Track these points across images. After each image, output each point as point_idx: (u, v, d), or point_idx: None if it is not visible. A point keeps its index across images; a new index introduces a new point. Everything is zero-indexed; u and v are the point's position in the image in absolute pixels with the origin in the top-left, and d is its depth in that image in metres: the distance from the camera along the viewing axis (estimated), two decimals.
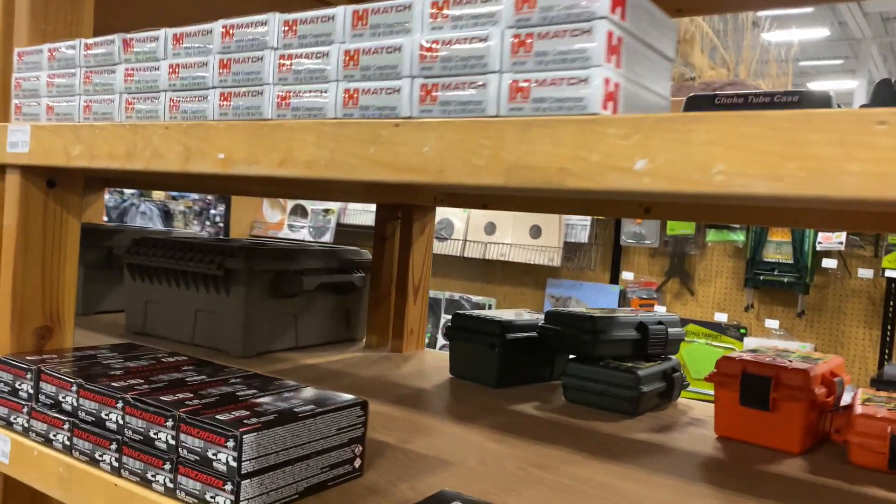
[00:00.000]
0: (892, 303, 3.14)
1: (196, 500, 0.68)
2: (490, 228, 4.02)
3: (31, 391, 0.84)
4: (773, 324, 3.35)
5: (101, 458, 0.77)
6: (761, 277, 3.38)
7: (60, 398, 0.82)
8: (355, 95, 0.58)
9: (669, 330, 1.25)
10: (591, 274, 3.96)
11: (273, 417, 0.70)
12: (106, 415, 0.77)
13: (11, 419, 0.86)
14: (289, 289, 1.43)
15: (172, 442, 0.71)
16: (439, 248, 4.22)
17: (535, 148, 0.49)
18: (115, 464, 0.75)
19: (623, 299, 3.83)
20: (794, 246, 3.28)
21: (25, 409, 0.85)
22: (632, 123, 0.45)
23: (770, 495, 0.83)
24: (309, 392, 0.81)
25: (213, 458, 0.67)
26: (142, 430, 0.73)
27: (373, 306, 1.61)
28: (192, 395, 0.77)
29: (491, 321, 1.27)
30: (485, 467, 0.87)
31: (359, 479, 0.79)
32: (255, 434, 0.67)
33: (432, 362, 1.48)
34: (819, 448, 1.03)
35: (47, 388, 0.83)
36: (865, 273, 3.18)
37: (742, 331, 3.40)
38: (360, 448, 0.79)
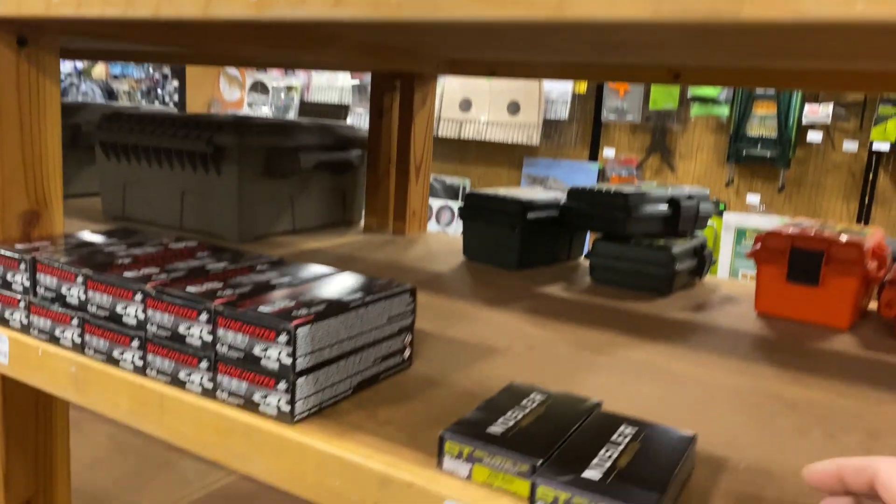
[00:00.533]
0: (871, 176, 3.15)
1: (241, 401, 0.61)
2: (465, 105, 3.86)
3: (27, 284, 0.74)
4: (753, 198, 3.35)
5: (121, 357, 0.68)
6: (744, 152, 3.33)
7: (64, 291, 0.72)
8: None
9: (701, 205, 1.19)
10: (569, 152, 3.87)
11: (323, 308, 0.62)
12: (123, 309, 0.67)
13: (6, 315, 0.76)
14: (285, 167, 1.32)
15: (208, 338, 0.62)
16: None
17: None
18: (140, 363, 0.67)
19: (602, 177, 3.77)
20: (780, 120, 3.23)
21: (22, 304, 0.75)
22: None
23: (828, 373, 0.79)
24: (350, 279, 0.73)
25: (262, 355, 0.59)
26: (168, 325, 0.64)
27: (371, 186, 1.51)
28: (221, 284, 0.67)
29: (511, 201, 1.18)
30: (535, 353, 0.81)
31: (409, 371, 0.72)
32: (309, 327, 0.59)
33: (440, 244, 1.40)
34: (864, 323, 0.99)
35: (46, 279, 0.73)
36: (850, 146, 3.15)
37: (721, 206, 3.39)
38: (410, 337, 0.72)
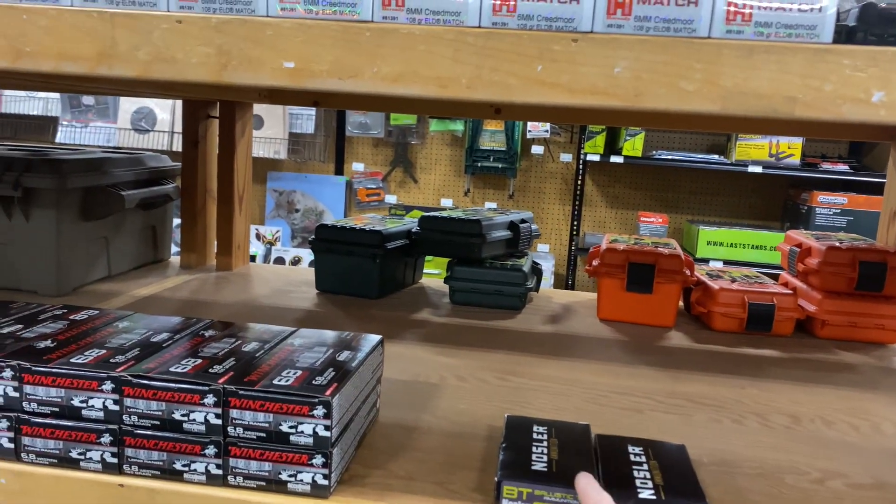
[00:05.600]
0: (579, 181, 3.66)
1: (263, 483, 0.57)
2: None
3: None
4: (491, 205, 3.69)
5: (82, 457, 0.59)
6: (479, 164, 3.66)
7: None
8: (511, 1, 0.49)
9: (532, 227, 1.33)
10: (314, 166, 3.89)
11: (336, 374, 0.61)
12: (83, 401, 0.58)
13: None
14: (107, 208, 1.18)
15: (216, 421, 0.57)
16: (140, 141, 3.75)
17: (758, 74, 0.48)
18: (112, 459, 0.59)
19: (349, 190, 3.86)
20: (507, 134, 3.61)
21: None
22: (869, 56, 0.47)
23: (690, 367, 0.97)
24: (317, 336, 0.71)
25: (292, 430, 0.56)
26: (157, 413, 0.58)
27: (188, 220, 1.41)
28: (200, 361, 0.62)
29: (369, 232, 1.21)
30: (469, 384, 0.86)
31: (379, 420, 0.73)
32: (339, 396, 0.58)
33: (278, 278, 1.36)
34: (680, 320, 1.21)
35: None
36: (566, 157, 3.64)
37: None
38: (380, 386, 0.73)
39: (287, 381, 0.59)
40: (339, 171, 3.87)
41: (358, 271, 1.22)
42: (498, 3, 0.50)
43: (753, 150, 3.25)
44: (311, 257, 3.64)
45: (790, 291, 1.14)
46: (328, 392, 0.57)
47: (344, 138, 3.83)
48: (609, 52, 0.49)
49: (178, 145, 3.72)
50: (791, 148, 3.25)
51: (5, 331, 0.67)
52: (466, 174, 3.72)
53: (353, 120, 3.71)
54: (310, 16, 0.52)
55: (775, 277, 1.29)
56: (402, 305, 1.20)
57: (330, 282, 1.25)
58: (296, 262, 3.71)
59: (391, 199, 3.82)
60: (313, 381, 0.59)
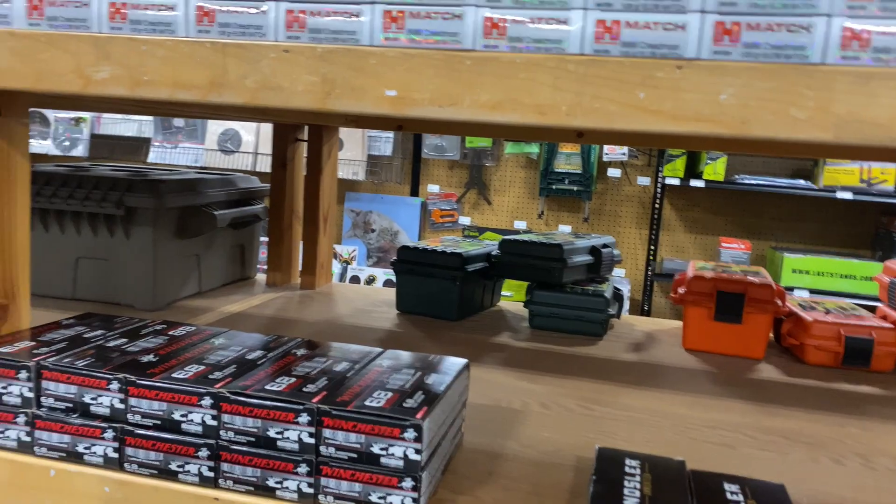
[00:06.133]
0: (656, 205, 3.59)
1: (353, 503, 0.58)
2: None
3: (29, 394, 0.63)
4: (565, 229, 3.66)
5: (181, 469, 0.61)
6: (553, 186, 3.64)
7: (89, 400, 0.62)
8: (614, 28, 0.49)
9: (613, 252, 1.31)
10: (390, 187, 3.95)
11: (426, 397, 0.61)
12: (183, 415, 0.61)
13: None
14: (200, 227, 1.23)
15: (309, 440, 0.58)
16: (225, 161, 3.89)
17: (876, 102, 0.46)
18: (209, 473, 0.60)
19: (424, 211, 3.90)
20: (583, 157, 3.58)
21: (22, 419, 0.64)
22: None
23: (784, 402, 0.93)
24: (403, 358, 0.72)
25: (383, 453, 0.57)
26: (253, 430, 0.59)
27: (275, 240, 1.45)
28: (294, 380, 0.63)
29: (450, 254, 1.21)
30: (552, 411, 0.85)
31: (464, 445, 0.73)
32: (429, 419, 0.58)
33: (359, 297, 1.38)
34: (770, 352, 1.16)
35: (59, 388, 0.63)
36: (643, 180, 3.58)
37: None
38: (465, 411, 0.73)
39: (378, 402, 0.59)
40: (414, 192, 3.91)
41: (438, 293, 1.22)
42: (600, 30, 0.50)
43: (843, 176, 3.12)
44: (386, 276, 3.69)
45: (890, 325, 1.08)
46: (419, 415, 0.57)
47: (420, 160, 3.88)
48: (715, 79, 0.48)
49: (260, 166, 3.85)
50: (884, 174, 3.10)
51: (111, 344, 0.70)
52: (540, 196, 3.70)
53: (429, 142, 3.76)
54: (413, 45, 0.53)
55: (868, 309, 1.23)
56: (481, 328, 1.20)
57: (410, 303, 1.26)
58: (370, 280, 3.76)
59: (465, 220, 3.84)
60: (404, 404, 0.59)
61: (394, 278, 1.27)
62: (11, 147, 0.69)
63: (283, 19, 0.55)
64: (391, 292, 1.36)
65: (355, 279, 3.77)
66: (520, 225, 3.76)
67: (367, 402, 0.59)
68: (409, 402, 0.59)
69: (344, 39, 0.54)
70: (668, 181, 3.21)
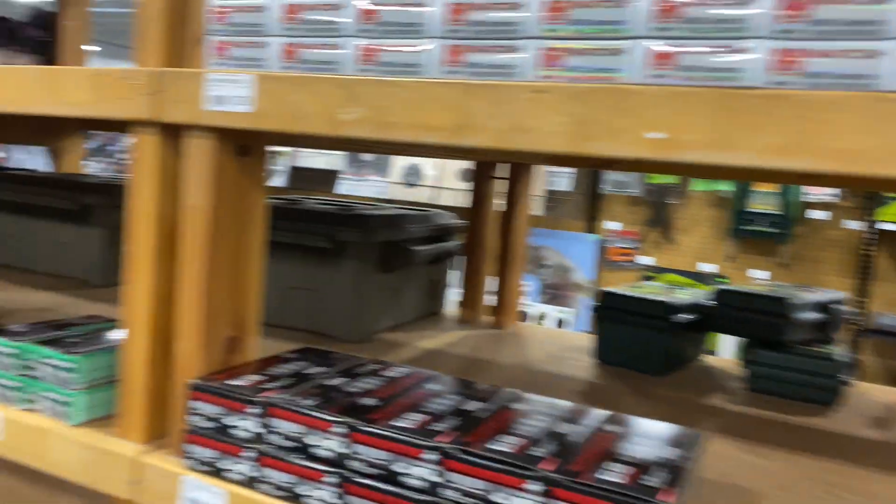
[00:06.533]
0: (871, 253, 3.23)
1: None
2: (468, 174, 3.84)
3: (260, 429, 0.64)
4: (760, 274, 3.40)
5: None
6: (746, 227, 3.40)
7: (310, 442, 0.62)
8: None
9: (843, 309, 1.16)
10: (566, 222, 3.88)
11: (670, 477, 0.54)
12: (404, 468, 0.58)
13: (221, 465, 0.66)
14: (400, 261, 1.24)
15: None
16: (407, 194, 4.01)
17: None
18: None
19: (600, 248, 3.78)
20: (784, 197, 3.31)
21: (250, 454, 0.65)
22: None
23: None
24: (632, 422, 0.66)
25: None
26: (476, 491, 0.56)
27: (470, 277, 1.44)
28: (521, 439, 0.59)
29: (654, 302, 1.13)
30: (793, 495, 0.74)
31: None
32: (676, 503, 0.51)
33: (551, 341, 1.33)
34: None
35: (283, 426, 0.63)
36: (850, 224, 3.25)
37: (725, 280, 3.43)
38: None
39: (615, 476, 0.53)
40: (589, 228, 3.82)
41: (644, 344, 1.14)
42: None
43: None
44: (559, 315, 3.61)
45: None
46: (663, 496, 0.50)
47: (596, 196, 3.78)
48: None
49: (442, 199, 3.93)
50: None
51: (331, 383, 0.70)
52: (732, 237, 3.47)
53: (610, 178, 3.66)
54: (683, 82, 0.47)
55: None
56: (689, 386, 1.10)
57: (612, 353, 1.18)
58: (541, 318, 3.70)
59: (644, 260, 3.68)
60: (641, 480, 0.53)
61: (565, 317, 1.21)
62: (253, 185, 0.72)
63: (535, 58, 0.52)
64: (579, 337, 1.29)
65: (522, 315, 3.72)
66: (704, 267, 3.54)
67: (601, 476, 0.53)
68: (653, 481, 0.53)
69: (602, 79, 0.50)
70: (885, 226, 2.88)
